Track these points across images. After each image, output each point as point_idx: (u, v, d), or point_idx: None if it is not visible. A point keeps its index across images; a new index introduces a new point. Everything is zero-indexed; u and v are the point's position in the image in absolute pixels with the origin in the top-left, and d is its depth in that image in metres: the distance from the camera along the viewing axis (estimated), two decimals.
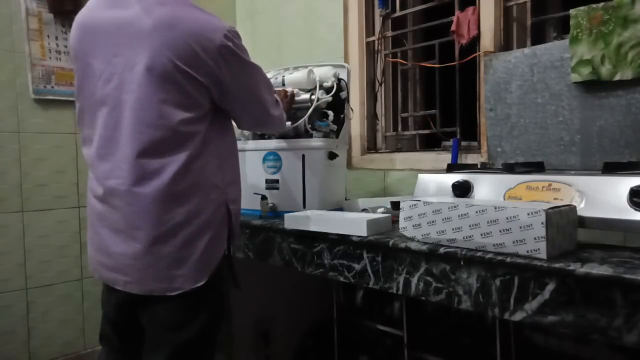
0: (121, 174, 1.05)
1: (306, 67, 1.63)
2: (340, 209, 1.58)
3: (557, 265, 0.87)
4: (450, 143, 1.79)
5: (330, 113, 1.58)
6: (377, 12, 2.07)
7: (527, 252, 0.92)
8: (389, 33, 2.07)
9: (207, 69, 1.04)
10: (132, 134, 1.03)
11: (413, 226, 1.12)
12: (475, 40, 1.70)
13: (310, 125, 1.56)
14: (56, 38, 2.03)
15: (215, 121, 1.13)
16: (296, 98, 1.58)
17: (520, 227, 0.93)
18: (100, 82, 1.08)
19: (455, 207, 1.04)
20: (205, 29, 1.04)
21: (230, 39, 1.06)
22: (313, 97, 1.54)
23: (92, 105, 1.10)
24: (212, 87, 1.08)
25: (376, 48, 2.10)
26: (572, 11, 1.35)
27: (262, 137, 1.68)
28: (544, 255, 0.90)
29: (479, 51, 1.69)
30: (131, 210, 1.05)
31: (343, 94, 1.61)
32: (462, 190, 1.21)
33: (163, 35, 1.01)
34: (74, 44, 1.13)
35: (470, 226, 1.01)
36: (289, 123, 1.58)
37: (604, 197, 0.99)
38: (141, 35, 1.02)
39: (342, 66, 1.68)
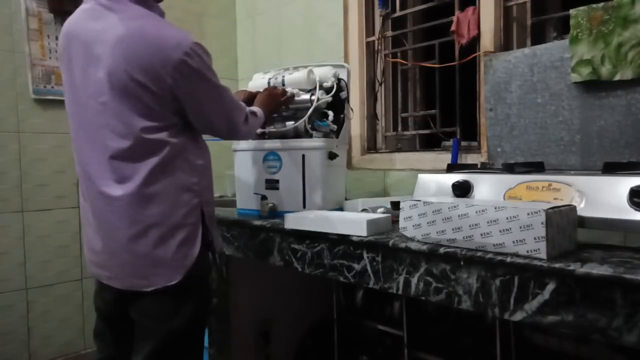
0: (97, 177, 1.12)
1: (306, 67, 1.63)
2: (340, 209, 1.58)
3: (557, 265, 0.87)
4: (450, 143, 1.79)
5: (330, 113, 1.58)
6: (377, 12, 2.07)
7: (527, 252, 0.92)
8: (389, 33, 2.07)
9: (164, 84, 1.07)
10: (103, 140, 1.10)
11: (413, 226, 1.12)
12: (475, 40, 1.70)
13: (310, 125, 1.56)
14: (56, 38, 2.03)
15: (187, 128, 1.17)
16: (296, 98, 1.58)
17: (520, 227, 0.93)
18: (78, 90, 1.14)
19: (455, 207, 1.04)
20: (166, 44, 1.07)
21: (190, 56, 1.08)
22: (313, 97, 1.54)
23: (71, 111, 1.17)
24: (172, 100, 1.10)
25: (376, 48, 2.10)
26: (572, 11, 1.35)
27: (262, 137, 1.68)
28: (544, 255, 0.90)
29: (479, 51, 1.69)
30: (108, 211, 1.11)
31: (343, 94, 1.61)
32: (462, 190, 1.21)
33: (124, 48, 1.06)
34: (60, 51, 1.19)
35: (470, 226, 1.01)
36: (291, 123, 1.59)
37: (604, 197, 0.99)
38: (108, 47, 1.08)
39: (342, 66, 1.68)
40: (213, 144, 2.39)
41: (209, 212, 1.21)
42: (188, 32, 1.12)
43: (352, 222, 1.23)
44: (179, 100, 1.11)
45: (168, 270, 1.12)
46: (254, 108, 1.41)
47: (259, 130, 1.66)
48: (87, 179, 1.15)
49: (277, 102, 1.52)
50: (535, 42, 1.60)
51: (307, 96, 1.56)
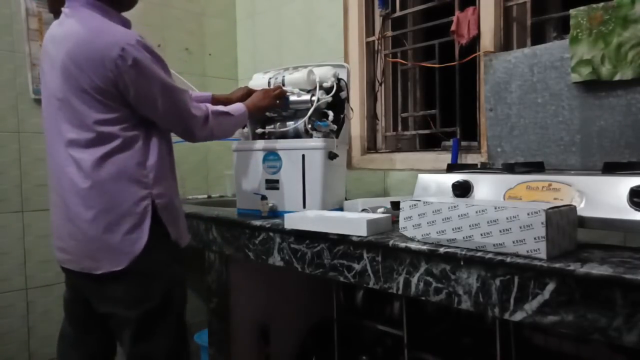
0: (59, 164, 1.24)
1: (306, 67, 1.63)
2: (340, 209, 1.58)
3: (557, 265, 0.87)
4: (450, 143, 1.79)
5: (330, 113, 1.58)
6: (377, 12, 2.07)
7: (527, 252, 0.92)
8: (389, 33, 2.07)
9: (107, 78, 1.16)
10: (64, 133, 1.21)
11: (413, 226, 1.12)
12: (475, 40, 1.70)
13: (310, 126, 1.56)
14: None
15: (144, 124, 1.25)
16: (297, 98, 1.58)
17: (520, 227, 0.93)
18: (46, 86, 1.26)
19: (455, 207, 1.04)
20: (107, 40, 1.16)
21: (128, 51, 1.14)
22: (313, 97, 1.54)
23: (45, 112, 1.29)
24: (118, 94, 1.18)
25: (376, 48, 2.10)
26: (572, 11, 1.35)
27: (262, 137, 1.68)
28: (544, 255, 0.90)
29: (479, 51, 1.69)
30: (69, 195, 1.23)
31: (343, 94, 1.61)
32: (462, 190, 1.21)
33: (73, 46, 1.17)
34: (41, 54, 1.32)
35: (470, 226, 1.01)
36: (291, 123, 1.59)
37: (604, 197, 0.99)
38: (62, 47, 1.19)
39: (342, 66, 1.68)
40: (214, 144, 2.40)
41: (163, 204, 1.26)
42: (139, 34, 1.20)
43: (352, 222, 1.23)
44: (125, 95, 1.19)
45: (115, 255, 1.20)
46: (230, 107, 1.44)
47: (259, 130, 1.67)
48: (58, 170, 1.25)
49: (270, 100, 1.55)
50: (535, 42, 1.60)
51: (307, 96, 1.56)
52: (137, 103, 1.21)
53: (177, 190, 1.35)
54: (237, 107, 1.47)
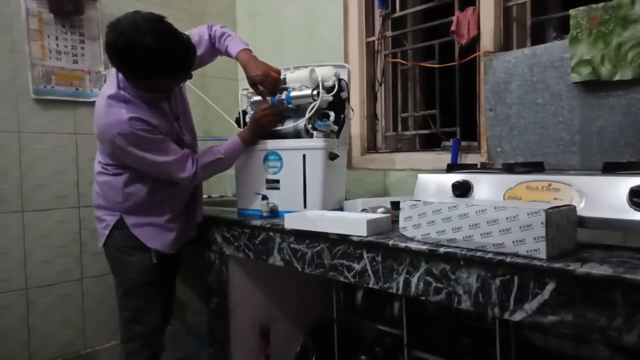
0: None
1: (307, 67, 1.63)
2: (341, 209, 1.58)
3: (557, 265, 0.87)
4: (450, 143, 1.79)
5: (332, 113, 1.58)
6: (377, 12, 2.07)
7: (527, 252, 0.92)
8: (389, 33, 2.07)
9: (106, 148, 1.51)
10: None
11: (413, 226, 1.12)
12: (475, 40, 1.70)
13: (310, 125, 1.56)
14: (56, 38, 2.03)
15: (131, 169, 1.52)
16: (298, 93, 1.58)
17: (520, 227, 0.93)
18: None
19: (455, 207, 1.04)
20: (103, 125, 1.46)
21: (119, 140, 1.42)
22: (314, 92, 1.53)
23: None
24: (114, 157, 1.52)
25: (376, 48, 2.10)
26: (572, 11, 1.35)
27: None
28: (543, 255, 0.90)
29: (479, 51, 1.69)
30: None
31: (343, 94, 1.61)
32: (462, 190, 1.21)
33: (95, 114, 1.52)
34: None
35: (470, 226, 1.01)
36: (292, 120, 1.59)
37: (604, 197, 0.99)
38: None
39: (343, 66, 1.68)
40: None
41: (133, 223, 1.57)
42: (127, 114, 1.42)
43: (352, 222, 1.23)
44: (119, 159, 1.50)
45: (100, 236, 1.64)
46: (225, 147, 1.59)
47: None
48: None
49: (266, 126, 1.62)
50: (535, 42, 1.60)
51: (308, 91, 1.55)
52: (132, 164, 1.51)
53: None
54: (232, 145, 1.60)
